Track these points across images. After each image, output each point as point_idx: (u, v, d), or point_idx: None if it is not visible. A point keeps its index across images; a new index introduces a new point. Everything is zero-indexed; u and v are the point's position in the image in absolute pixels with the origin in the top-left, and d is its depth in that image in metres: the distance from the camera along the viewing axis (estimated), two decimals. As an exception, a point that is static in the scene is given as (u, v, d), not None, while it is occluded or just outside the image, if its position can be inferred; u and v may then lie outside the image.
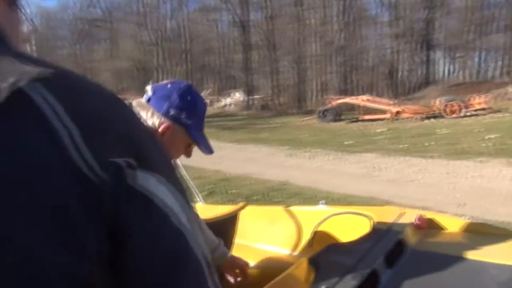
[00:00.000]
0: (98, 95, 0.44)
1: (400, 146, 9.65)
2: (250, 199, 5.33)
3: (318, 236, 2.04)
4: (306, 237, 2.11)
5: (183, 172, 2.62)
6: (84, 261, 0.37)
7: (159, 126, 1.17)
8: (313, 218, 2.11)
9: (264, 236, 2.25)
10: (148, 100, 1.18)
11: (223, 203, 5.18)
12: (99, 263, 0.38)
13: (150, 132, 0.47)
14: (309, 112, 18.05)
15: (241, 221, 2.35)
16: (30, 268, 0.35)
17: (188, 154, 1.28)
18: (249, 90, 21.47)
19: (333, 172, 7.10)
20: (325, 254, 1.51)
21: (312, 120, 16.20)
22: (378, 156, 8.45)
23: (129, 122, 0.45)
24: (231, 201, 5.29)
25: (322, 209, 2.11)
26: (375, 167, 7.33)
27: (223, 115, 19.41)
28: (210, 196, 5.62)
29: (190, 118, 1.18)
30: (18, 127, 0.36)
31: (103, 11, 34.47)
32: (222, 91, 26.65)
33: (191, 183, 2.61)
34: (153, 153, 0.44)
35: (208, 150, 1.24)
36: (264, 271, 2.08)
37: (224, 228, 1.83)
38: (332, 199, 5.18)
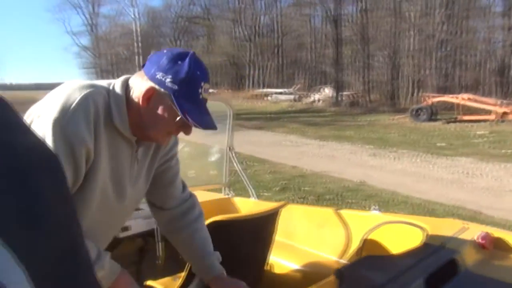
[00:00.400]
0: None
1: (503, 151, 8.61)
2: (322, 198, 5.17)
3: (367, 244, 1.87)
4: (355, 244, 1.95)
5: (236, 164, 2.59)
6: None
7: (144, 92, 1.07)
8: (364, 224, 1.94)
9: (312, 238, 2.13)
10: (143, 66, 1.11)
11: (294, 200, 5.09)
12: None
13: None
14: (402, 111, 17.02)
15: (290, 221, 2.25)
16: None
17: (186, 131, 1.13)
18: (339, 86, 20.91)
19: (418, 175, 6.57)
20: (357, 267, 1.36)
21: (404, 119, 15.24)
22: (474, 161, 7.63)
23: None
24: (303, 199, 5.19)
25: (374, 215, 1.92)
26: (469, 173, 6.63)
27: (310, 111, 19.19)
28: (282, 192, 5.57)
29: (176, 84, 1.05)
30: None
31: (202, 8, 36.25)
32: (312, 86, 26.38)
33: (245, 178, 2.57)
34: None
35: (199, 123, 1.07)
36: (307, 276, 1.97)
37: (264, 225, 1.75)
38: (410, 204, 4.79)
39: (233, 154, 2.62)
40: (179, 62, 1.06)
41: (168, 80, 1.06)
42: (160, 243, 2.13)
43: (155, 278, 2.07)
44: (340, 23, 22.75)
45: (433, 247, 1.46)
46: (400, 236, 1.77)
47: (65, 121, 0.98)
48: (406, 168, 7.19)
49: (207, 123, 1.11)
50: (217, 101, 2.56)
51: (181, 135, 1.20)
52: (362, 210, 2.15)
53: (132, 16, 35.91)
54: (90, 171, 1.07)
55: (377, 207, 1.97)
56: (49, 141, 0.97)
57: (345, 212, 2.06)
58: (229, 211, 2.51)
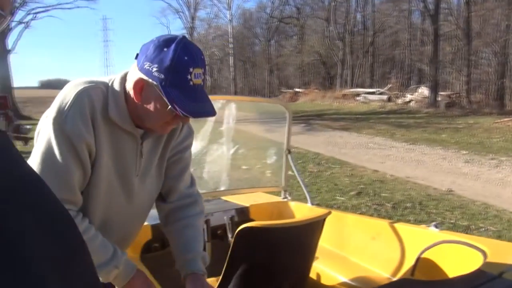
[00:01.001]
0: None
1: None
2: (400, 206, 4.85)
3: (421, 263, 1.71)
4: (408, 261, 1.79)
5: (293, 168, 2.54)
6: None
7: (135, 83, 1.07)
8: (420, 240, 1.77)
9: (364, 251, 2.01)
10: (136, 57, 1.10)
11: (369, 206, 4.86)
12: None
13: None
14: (509, 113, 15.25)
15: (344, 231, 2.15)
16: None
17: (183, 120, 1.11)
18: (436, 86, 19.38)
19: (519, 187, 5.82)
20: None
21: (511, 122, 13.64)
22: None
23: None
24: (379, 205, 4.92)
25: (432, 232, 1.75)
26: None
27: (402, 112, 18.12)
28: (358, 197, 5.34)
29: (163, 72, 1.03)
30: None
31: (296, 7, 36.30)
32: (406, 86, 24.89)
33: (302, 182, 2.50)
34: None
35: (188, 112, 1.03)
36: (355, 290, 1.86)
37: (305, 234, 1.69)
38: (504, 220, 4.27)
39: (291, 157, 2.57)
40: (165, 49, 1.03)
41: (154, 69, 1.03)
42: (207, 243, 2.17)
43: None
44: (440, 17, 21.04)
45: (489, 275, 1.27)
46: (457, 258, 1.58)
47: (62, 119, 1.04)
48: (506, 178, 6.42)
49: (200, 112, 1.06)
50: (275, 103, 2.53)
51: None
52: (418, 226, 1.96)
53: (227, 18, 37.36)
54: (93, 165, 1.11)
55: (436, 223, 1.78)
56: (52, 140, 1.04)
57: (400, 226, 1.90)
58: (283, 215, 2.47)
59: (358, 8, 31.24)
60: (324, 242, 2.24)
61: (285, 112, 2.49)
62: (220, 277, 1.61)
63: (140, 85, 1.07)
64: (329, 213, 1.71)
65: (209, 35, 41.86)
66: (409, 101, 20.46)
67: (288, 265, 1.66)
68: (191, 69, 1.04)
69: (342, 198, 5.28)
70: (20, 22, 20.80)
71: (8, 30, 19.77)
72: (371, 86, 26.51)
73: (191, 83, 1.04)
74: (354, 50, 30.20)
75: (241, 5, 42.84)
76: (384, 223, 1.96)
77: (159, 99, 1.06)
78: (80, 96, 1.06)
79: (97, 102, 1.08)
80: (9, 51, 19.78)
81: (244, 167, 6.71)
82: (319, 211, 2.33)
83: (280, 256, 1.62)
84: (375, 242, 1.97)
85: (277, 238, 1.58)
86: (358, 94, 24.27)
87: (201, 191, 2.57)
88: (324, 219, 1.73)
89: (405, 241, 1.83)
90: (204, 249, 2.26)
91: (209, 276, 1.95)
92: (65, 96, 1.06)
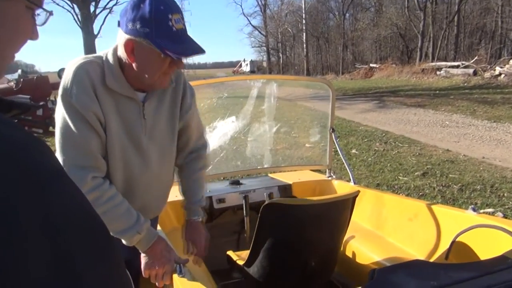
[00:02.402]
0: None
1: None
2: (468, 188, 4.56)
3: (456, 246, 1.65)
4: (444, 244, 1.74)
5: (338, 147, 2.51)
6: None
7: (125, 45, 1.17)
8: (457, 223, 1.71)
9: (400, 232, 1.97)
10: (118, 24, 1.19)
11: (434, 187, 4.63)
12: None
13: None
14: None
15: (382, 211, 2.12)
16: None
17: (178, 65, 1.21)
18: (531, 57, 17.34)
19: None
20: (392, 271, 1.23)
21: None
22: None
23: None
24: (444, 187, 4.67)
25: (469, 215, 1.67)
26: None
27: (488, 86, 16.57)
28: (423, 177, 5.09)
29: (146, 26, 1.12)
30: None
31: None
32: (497, 58, 22.60)
33: (346, 161, 2.48)
34: None
35: (181, 53, 1.15)
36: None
37: (331, 211, 1.70)
38: None
39: (335, 136, 2.54)
40: (142, 6, 1.13)
41: (138, 26, 1.13)
42: (246, 218, 2.26)
43: (243, 249, 2.23)
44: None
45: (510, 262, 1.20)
46: (493, 243, 1.49)
47: (68, 95, 1.18)
48: None
49: (190, 51, 1.17)
50: (317, 81, 2.50)
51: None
52: (456, 208, 1.86)
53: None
54: (105, 131, 1.24)
55: (474, 206, 1.68)
56: (65, 116, 1.18)
57: (437, 208, 1.83)
58: (325, 193, 2.48)
59: (442, -26, 28.75)
60: (362, 220, 2.22)
61: (328, 90, 2.46)
62: (250, 250, 1.69)
63: (130, 45, 1.17)
64: (358, 192, 1.69)
65: (282, 12, 41.39)
66: (499, 75, 18.61)
67: (314, 241, 1.68)
68: (170, 16, 1.13)
69: (405, 179, 5.08)
70: (104, 8, 22.27)
71: (94, 16, 21.34)
72: (454, 60, 24.51)
73: (174, 28, 1.14)
74: (436, 21, 28.00)
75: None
76: (421, 205, 1.89)
77: (150, 52, 1.16)
78: (78, 71, 1.19)
79: (94, 74, 1.20)
80: (95, 36, 21.39)
81: (288, 144, 6.70)
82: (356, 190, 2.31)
83: (305, 233, 1.65)
84: (411, 223, 1.92)
85: (301, 215, 1.61)
86: (439, 68, 22.61)
87: (244, 169, 2.67)
88: (354, 198, 1.72)
89: (442, 224, 1.76)
90: (244, 224, 2.37)
91: (246, 249, 2.06)
92: (67, 75, 1.21)
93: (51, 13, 0.61)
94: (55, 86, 8.67)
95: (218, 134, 2.30)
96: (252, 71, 58.12)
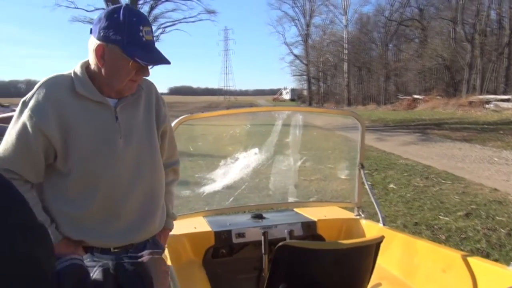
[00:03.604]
0: None
1: None
2: (516, 234, 4.18)
3: (495, 308, 1.45)
4: (481, 304, 1.53)
5: (366, 183, 2.35)
6: None
7: (96, 50, 1.24)
8: (497, 281, 1.50)
9: (432, 282, 1.80)
10: (90, 31, 1.26)
11: (478, 230, 4.29)
12: None
13: None
14: None
15: (413, 258, 1.94)
16: None
17: (144, 73, 1.28)
18: None
19: None
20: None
21: None
22: None
23: None
24: (490, 230, 4.31)
25: (511, 273, 1.47)
26: None
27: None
28: (466, 218, 4.74)
29: (118, 33, 1.20)
30: None
31: (418, 8, 34.05)
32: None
33: (375, 200, 2.31)
34: None
35: (148, 61, 1.23)
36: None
37: (353, 257, 1.55)
38: None
39: (363, 172, 2.39)
40: (115, 15, 1.21)
41: (111, 33, 1.21)
42: (264, 256, 2.13)
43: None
44: None
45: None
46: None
47: (25, 105, 1.29)
48: None
49: (156, 59, 1.26)
50: (347, 114, 2.38)
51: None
52: (496, 263, 1.65)
53: (343, 23, 36.77)
54: (69, 137, 1.27)
55: (517, 262, 1.48)
56: (15, 121, 1.29)
57: (475, 260, 1.63)
58: (352, 233, 2.31)
59: (492, 5, 27.95)
60: (390, 267, 2.04)
61: (357, 123, 2.33)
62: None
63: (100, 50, 1.24)
64: (382, 238, 1.54)
65: (324, 41, 41.65)
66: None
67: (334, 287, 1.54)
68: (141, 27, 1.23)
69: (446, 218, 4.74)
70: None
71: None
72: (505, 93, 23.43)
73: (144, 39, 1.23)
74: (485, 52, 27.06)
75: (358, 9, 41.71)
76: (456, 255, 1.70)
77: (120, 58, 1.23)
78: (41, 87, 1.28)
79: (61, 85, 1.28)
80: (142, 62, 22.36)
81: (313, 178, 6.49)
82: (387, 233, 2.13)
83: (322, 279, 1.52)
84: (445, 275, 1.72)
85: (317, 260, 1.48)
86: (488, 102, 21.67)
87: (267, 203, 2.56)
88: (378, 244, 1.57)
89: (479, 279, 1.56)
90: (262, 263, 2.25)
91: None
92: (34, 88, 1.29)
93: None
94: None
95: (239, 166, 2.22)
96: (292, 99, 58.42)
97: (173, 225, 1.61)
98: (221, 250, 2.33)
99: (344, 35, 36.52)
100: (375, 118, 22.15)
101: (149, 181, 1.41)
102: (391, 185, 6.58)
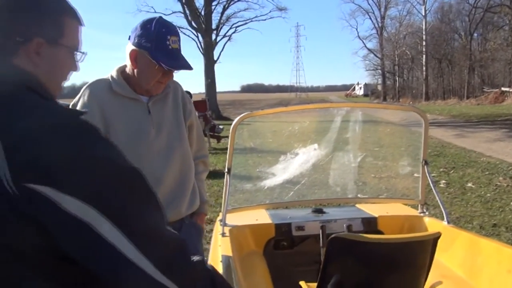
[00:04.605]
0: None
1: None
2: None
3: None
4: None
5: (430, 180, 2.28)
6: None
7: (130, 54, 1.46)
8: None
9: (496, 283, 1.75)
10: (129, 38, 1.50)
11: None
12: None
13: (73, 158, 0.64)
14: None
15: (477, 258, 1.88)
16: None
17: (169, 76, 1.50)
18: None
19: None
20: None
21: None
22: None
23: (49, 154, 0.62)
24: None
25: None
26: None
27: None
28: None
29: (149, 41, 1.43)
30: None
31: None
32: None
33: (439, 197, 2.25)
34: (67, 177, 0.62)
35: (171, 66, 1.45)
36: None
37: (406, 253, 1.56)
38: None
39: (427, 169, 2.32)
40: (148, 26, 1.45)
41: (143, 40, 1.44)
42: (322, 249, 2.18)
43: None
44: None
45: None
46: None
47: (76, 101, 1.57)
48: None
49: (179, 65, 1.48)
50: (409, 109, 2.33)
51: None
52: None
53: (422, 13, 34.78)
54: (110, 128, 1.48)
55: None
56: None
57: (543, 263, 1.54)
58: (414, 230, 2.27)
59: None
60: (453, 265, 1.99)
61: (421, 119, 2.28)
62: (317, 282, 1.63)
63: (134, 54, 1.47)
64: (439, 234, 1.52)
65: (400, 34, 39.74)
66: None
67: (385, 283, 1.55)
68: (168, 37, 1.45)
69: (507, 234, 4.36)
70: (224, 36, 24.10)
71: (215, 43, 23.18)
72: None
73: (170, 47, 1.46)
74: None
75: (438, -1, 39.11)
76: (522, 256, 1.62)
77: (148, 62, 1.45)
78: (86, 88, 1.55)
79: (100, 87, 1.53)
80: (215, 62, 23.17)
81: (383, 175, 6.24)
82: (451, 232, 2.07)
83: (375, 273, 1.54)
84: (510, 276, 1.65)
85: (369, 253, 1.51)
86: None
87: (325, 197, 2.59)
88: (435, 240, 1.55)
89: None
90: (320, 256, 2.30)
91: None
92: (79, 93, 1.56)
93: (85, 53, 0.86)
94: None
95: (299, 161, 2.28)
96: (365, 95, 56.57)
97: (207, 210, 1.83)
98: (283, 242, 2.41)
99: (423, 26, 34.49)
100: (456, 113, 20.69)
101: (179, 166, 1.64)
102: (469, 184, 6.18)
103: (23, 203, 0.60)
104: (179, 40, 1.50)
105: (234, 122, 2.14)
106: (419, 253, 1.55)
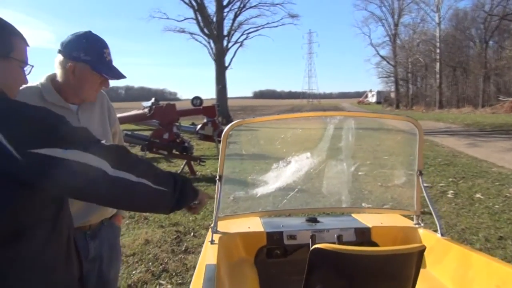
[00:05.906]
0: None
1: None
2: None
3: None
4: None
5: (425, 191, 2.25)
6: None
7: (68, 68, 1.56)
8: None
9: None
10: (59, 52, 1.58)
11: None
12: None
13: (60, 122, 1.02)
14: None
15: (468, 272, 1.85)
16: None
17: (105, 85, 1.65)
18: None
19: None
20: None
21: None
22: None
23: (43, 120, 0.97)
24: None
25: None
26: None
27: None
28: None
29: (88, 55, 1.55)
30: None
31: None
32: None
33: (433, 209, 2.20)
34: (65, 135, 0.99)
35: (112, 76, 1.60)
36: None
37: (395, 265, 1.53)
38: None
39: (422, 179, 2.29)
40: (84, 41, 1.57)
41: (82, 54, 1.55)
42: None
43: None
44: None
45: None
46: None
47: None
48: None
49: (117, 75, 1.63)
50: (402, 119, 2.30)
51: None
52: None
53: (435, 21, 34.49)
54: None
55: None
56: None
57: (531, 279, 1.49)
58: (408, 242, 2.23)
59: None
60: (445, 278, 1.95)
61: (415, 129, 2.24)
62: None
63: (72, 68, 1.57)
64: (423, 247, 1.49)
65: (413, 41, 39.42)
66: None
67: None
68: (104, 50, 1.60)
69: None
70: (235, 42, 24.22)
71: (226, 50, 23.30)
72: None
73: (107, 59, 1.61)
74: None
75: (452, 5, 38.77)
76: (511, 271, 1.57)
77: (89, 74, 1.58)
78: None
79: (32, 92, 1.59)
80: (226, 68, 23.28)
81: (390, 184, 6.13)
82: (443, 244, 2.03)
83: (358, 285, 1.51)
84: (500, 292, 1.60)
85: (351, 265, 1.48)
86: None
87: (319, 206, 2.56)
88: (420, 253, 1.52)
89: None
90: None
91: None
92: None
93: (32, 66, 1.07)
94: (181, 113, 9.63)
95: (291, 169, 2.27)
96: (378, 102, 56.15)
97: (124, 213, 1.99)
98: (276, 251, 2.39)
99: (437, 34, 34.21)
100: (469, 122, 20.41)
101: None
102: (478, 195, 6.06)
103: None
104: (110, 52, 1.65)
105: (225, 130, 2.14)
106: (402, 265, 1.52)
